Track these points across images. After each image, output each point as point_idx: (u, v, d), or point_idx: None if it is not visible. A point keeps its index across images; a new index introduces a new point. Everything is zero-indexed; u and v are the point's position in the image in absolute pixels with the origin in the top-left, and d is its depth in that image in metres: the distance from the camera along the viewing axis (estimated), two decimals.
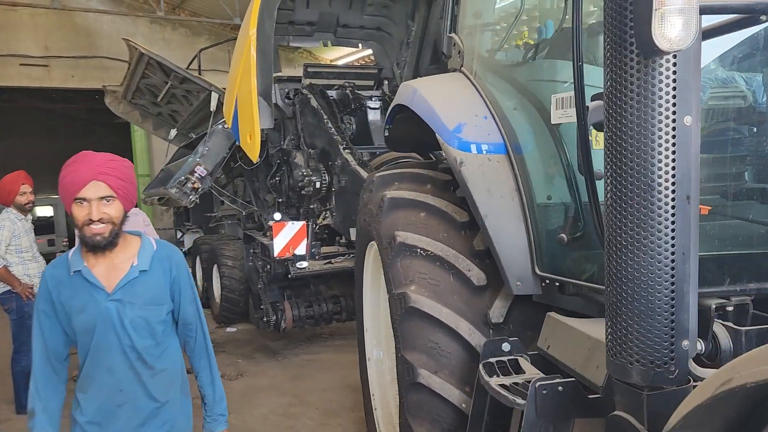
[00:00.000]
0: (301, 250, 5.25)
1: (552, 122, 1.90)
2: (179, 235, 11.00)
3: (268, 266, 5.75)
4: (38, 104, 19.69)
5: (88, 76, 13.25)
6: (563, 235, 1.88)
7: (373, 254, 3.22)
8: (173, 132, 9.23)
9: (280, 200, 6.65)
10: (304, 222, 5.37)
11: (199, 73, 7.71)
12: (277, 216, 5.32)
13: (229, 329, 7.03)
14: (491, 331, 2.21)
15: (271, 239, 5.82)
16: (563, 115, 1.83)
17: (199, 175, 6.65)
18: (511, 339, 1.99)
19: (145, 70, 7.37)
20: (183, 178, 6.69)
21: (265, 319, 5.76)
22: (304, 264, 5.14)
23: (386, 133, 3.28)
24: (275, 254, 5.25)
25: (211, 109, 6.87)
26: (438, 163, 2.97)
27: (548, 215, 2.05)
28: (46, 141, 24.88)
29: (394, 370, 3.21)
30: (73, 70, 13.43)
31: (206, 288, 7.91)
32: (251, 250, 6.56)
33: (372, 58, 7.65)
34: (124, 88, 8.30)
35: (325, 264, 5.49)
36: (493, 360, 1.96)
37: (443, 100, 2.40)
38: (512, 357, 1.98)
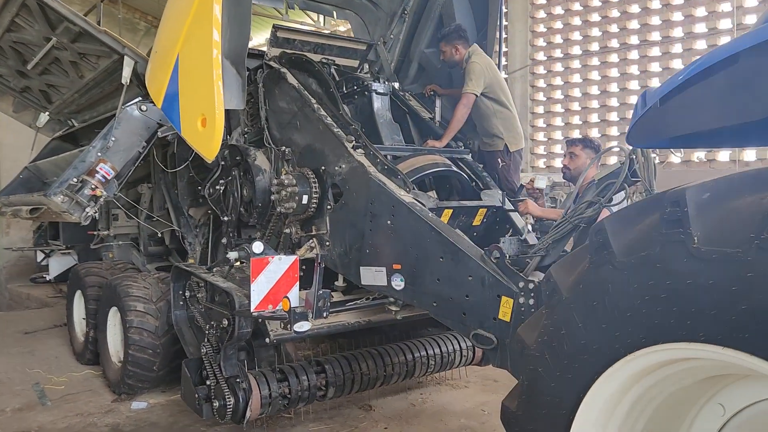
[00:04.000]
0: (294, 300, 3.43)
1: None
2: (40, 257, 8.44)
3: (225, 322, 3.83)
4: None
5: None
6: None
7: (630, 378, 1.59)
8: (43, 116, 6.86)
9: (226, 219, 4.74)
10: (296, 257, 3.55)
11: None
12: (258, 247, 3.45)
13: (135, 405, 4.92)
14: None
15: (233, 281, 3.95)
16: None
17: (103, 176, 4.56)
18: None
19: (16, 18, 5.10)
20: (75, 180, 4.56)
21: (216, 404, 3.81)
22: (306, 326, 3.32)
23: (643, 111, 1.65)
24: (252, 307, 3.38)
25: (123, 82, 4.81)
26: None
27: None
28: None
29: None
30: None
31: (94, 340, 5.68)
32: (181, 293, 4.55)
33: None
34: None
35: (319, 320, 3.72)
36: None
37: None
38: None
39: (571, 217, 3.03)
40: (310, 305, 3.43)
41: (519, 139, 4.66)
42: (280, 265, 3.48)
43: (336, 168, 3.90)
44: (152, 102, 4.83)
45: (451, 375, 5.32)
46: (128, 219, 6.47)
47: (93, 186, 4.52)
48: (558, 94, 8.61)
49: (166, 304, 4.97)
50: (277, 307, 3.48)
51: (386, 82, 4.50)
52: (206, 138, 3.83)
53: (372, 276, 3.65)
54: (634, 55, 7.70)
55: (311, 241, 4.07)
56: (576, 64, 8.35)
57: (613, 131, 7.92)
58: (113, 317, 5.31)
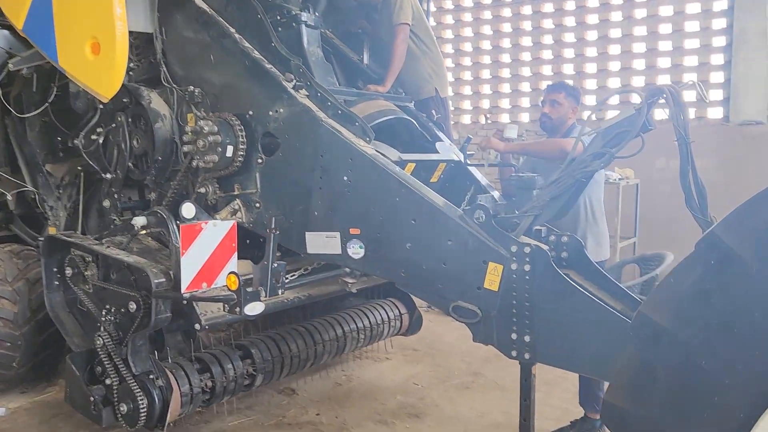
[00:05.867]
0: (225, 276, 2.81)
1: None
2: None
3: (133, 306, 3.08)
4: None
5: None
6: None
7: None
8: None
9: (110, 176, 3.89)
10: (233, 221, 2.91)
11: None
12: (189, 210, 2.77)
13: None
14: None
15: (136, 252, 3.23)
16: None
17: None
18: None
19: None
20: None
21: (123, 408, 3.08)
22: (260, 308, 2.72)
23: None
24: (183, 287, 2.72)
25: None
26: None
27: None
28: None
29: None
30: None
31: None
32: (56, 270, 3.65)
33: None
34: None
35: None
36: None
37: None
38: None
39: (573, 171, 2.73)
40: (259, 282, 2.81)
41: (446, 83, 4.29)
42: (215, 232, 2.84)
43: (270, 113, 3.26)
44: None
45: (370, 347, 4.94)
46: None
47: None
48: (467, 47, 8.32)
49: (26, 284, 4.03)
50: (213, 285, 2.83)
51: (316, 14, 3.85)
52: (102, 70, 2.99)
53: (322, 243, 3.11)
54: (548, 7, 7.59)
55: (234, 202, 3.40)
56: (487, 14, 8.09)
57: (525, 87, 7.80)
58: None
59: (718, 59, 6.73)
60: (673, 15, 6.90)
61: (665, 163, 6.50)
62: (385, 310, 4.49)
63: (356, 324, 4.24)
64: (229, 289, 2.66)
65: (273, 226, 2.96)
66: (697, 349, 1.40)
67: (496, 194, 3.53)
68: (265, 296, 2.77)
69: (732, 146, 6.31)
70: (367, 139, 3.06)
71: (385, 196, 2.94)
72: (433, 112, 4.04)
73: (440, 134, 3.85)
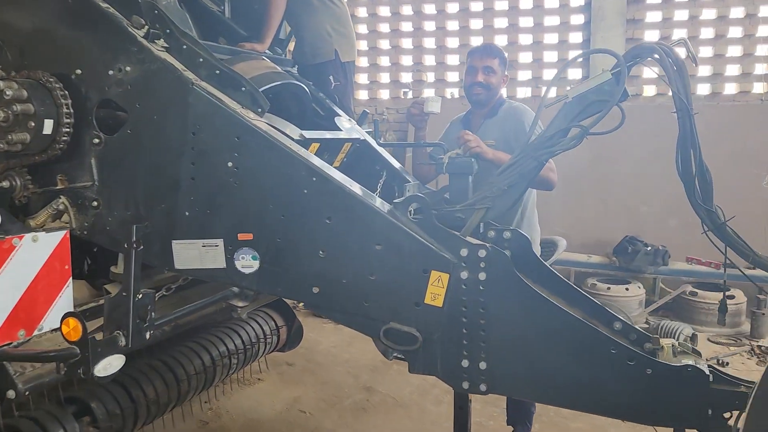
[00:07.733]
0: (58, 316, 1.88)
1: None
2: None
3: None
4: None
5: None
6: None
7: None
8: None
9: None
10: (65, 231, 1.98)
11: None
12: None
13: None
14: None
15: None
16: None
17: None
18: None
19: None
20: None
21: None
22: (118, 363, 1.83)
23: None
24: None
25: None
26: None
27: None
28: None
29: None
30: None
31: None
32: None
33: None
34: None
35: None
36: None
37: None
38: None
39: (535, 151, 2.18)
40: (115, 323, 1.89)
41: (352, 46, 3.53)
42: (36, 250, 1.87)
43: (110, 72, 2.30)
44: None
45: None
46: None
47: None
48: (386, 11, 7.39)
49: None
50: (36, 332, 1.87)
51: None
52: None
53: (197, 255, 2.26)
54: None
55: (57, 201, 2.40)
56: None
57: (452, 60, 7.13)
58: None
59: (576, 37, 6.71)
60: None
61: None
62: (260, 325, 3.70)
63: (227, 346, 3.40)
64: (67, 341, 1.73)
65: (135, 238, 2.04)
66: None
67: (410, 179, 2.89)
68: (126, 344, 1.87)
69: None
70: (259, 110, 2.25)
71: (289, 187, 2.19)
72: (331, 78, 3.27)
73: (335, 107, 3.12)
